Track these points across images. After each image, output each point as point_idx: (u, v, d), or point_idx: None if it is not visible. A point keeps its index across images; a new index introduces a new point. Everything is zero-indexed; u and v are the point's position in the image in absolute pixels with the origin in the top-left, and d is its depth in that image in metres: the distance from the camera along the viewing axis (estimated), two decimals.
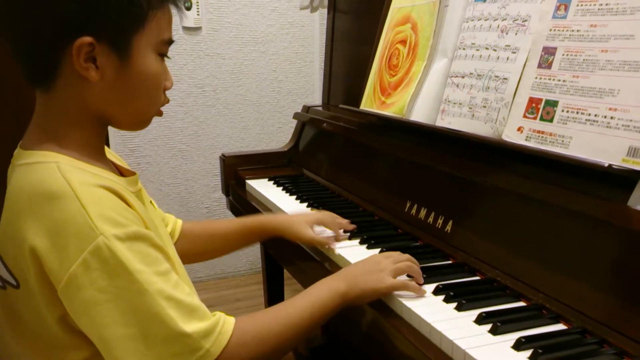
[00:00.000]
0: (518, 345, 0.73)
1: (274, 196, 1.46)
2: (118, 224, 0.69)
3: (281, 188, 1.53)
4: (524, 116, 0.96)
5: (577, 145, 0.87)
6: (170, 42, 0.80)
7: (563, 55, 0.92)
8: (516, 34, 1.02)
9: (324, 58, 1.91)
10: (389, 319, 0.86)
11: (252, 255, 2.78)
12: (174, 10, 0.80)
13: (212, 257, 1.19)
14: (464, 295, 0.86)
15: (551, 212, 0.86)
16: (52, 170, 0.71)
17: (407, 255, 0.95)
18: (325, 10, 1.93)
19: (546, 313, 0.82)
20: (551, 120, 0.91)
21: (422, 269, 0.94)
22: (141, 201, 0.82)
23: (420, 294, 0.89)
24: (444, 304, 0.86)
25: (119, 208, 0.71)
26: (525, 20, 1.01)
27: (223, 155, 1.74)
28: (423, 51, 1.26)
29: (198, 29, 2.51)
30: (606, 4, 0.88)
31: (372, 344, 0.91)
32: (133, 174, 0.86)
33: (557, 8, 0.95)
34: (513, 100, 0.99)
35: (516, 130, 0.97)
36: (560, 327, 0.79)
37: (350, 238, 1.14)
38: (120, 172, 0.85)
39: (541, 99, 0.94)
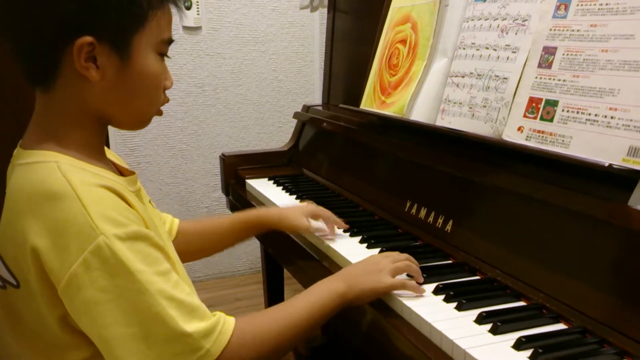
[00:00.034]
0: (518, 345, 0.73)
1: (274, 196, 1.46)
2: (119, 223, 0.69)
3: (281, 187, 1.53)
4: (524, 116, 0.96)
5: (577, 145, 0.87)
6: (170, 41, 0.80)
7: (563, 54, 0.92)
8: (516, 33, 1.02)
9: (324, 58, 1.91)
10: (389, 318, 0.86)
11: (252, 254, 2.78)
12: (173, 10, 0.80)
13: (208, 254, 1.19)
14: (464, 295, 0.86)
15: (551, 212, 0.86)
16: (52, 169, 0.71)
17: (405, 255, 0.95)
18: (325, 10, 1.93)
19: (546, 313, 0.82)
20: (551, 120, 0.91)
21: (422, 268, 0.94)
22: (141, 201, 0.82)
23: (419, 293, 0.89)
24: (444, 303, 0.86)
25: (120, 208, 0.71)
26: (526, 20, 1.01)
27: (223, 154, 1.74)
28: (423, 51, 1.26)
29: (198, 28, 2.51)
30: (606, 4, 0.88)
31: (372, 344, 0.91)
32: (132, 173, 0.86)
33: (557, 8, 0.95)
34: (513, 100, 0.99)
35: (516, 130, 0.97)
36: (560, 326, 0.79)
37: (350, 237, 1.14)
38: (120, 171, 0.85)
39: (541, 99, 0.94)
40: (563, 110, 0.90)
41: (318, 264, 1.10)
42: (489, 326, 0.78)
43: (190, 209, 2.65)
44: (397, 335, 0.83)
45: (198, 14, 2.48)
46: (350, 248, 1.08)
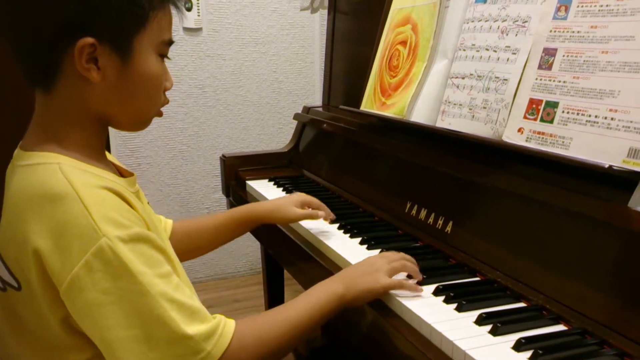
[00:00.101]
0: (518, 346, 0.73)
1: (274, 197, 1.45)
2: (121, 225, 0.69)
3: (281, 189, 1.53)
4: (524, 117, 0.96)
5: (577, 147, 0.87)
6: (170, 42, 0.80)
7: (563, 56, 0.92)
8: (516, 35, 1.02)
9: (324, 59, 1.91)
10: (389, 319, 0.86)
11: (252, 255, 2.78)
12: (174, 11, 0.80)
13: (204, 252, 1.20)
14: (464, 296, 0.86)
15: (551, 213, 0.86)
16: (54, 171, 0.71)
17: (401, 254, 0.96)
18: (326, 11, 1.93)
19: (546, 314, 0.82)
20: (551, 122, 0.92)
21: (423, 269, 0.94)
22: (140, 202, 0.82)
23: (417, 292, 0.89)
24: (444, 304, 0.86)
25: (122, 209, 0.71)
26: (526, 22, 1.01)
27: (223, 155, 1.74)
28: (423, 52, 1.27)
29: (199, 29, 2.51)
30: (606, 5, 0.88)
31: (373, 345, 0.91)
32: (131, 174, 0.86)
33: (558, 9, 0.95)
34: (513, 101, 0.99)
35: (516, 131, 0.97)
36: (560, 328, 0.79)
37: (350, 238, 1.14)
38: (120, 172, 0.85)
39: (541, 100, 0.94)
40: (563, 112, 0.90)
41: (318, 264, 1.10)
42: (489, 327, 0.78)
43: (191, 210, 2.65)
44: (397, 336, 0.83)
45: (198, 15, 2.48)
46: (350, 249, 1.08)
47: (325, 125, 1.64)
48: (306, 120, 1.76)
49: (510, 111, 0.99)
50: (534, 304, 0.84)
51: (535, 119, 0.94)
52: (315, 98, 2.79)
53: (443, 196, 1.11)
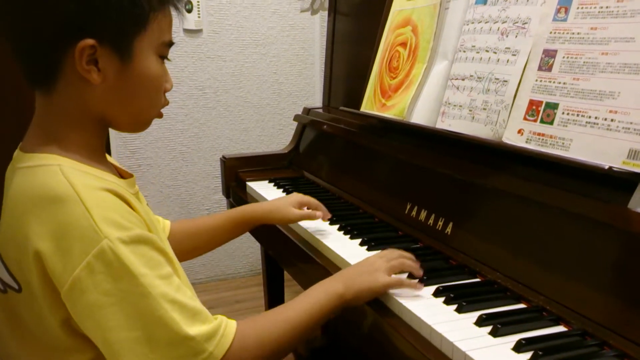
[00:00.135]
0: (518, 347, 0.73)
1: (274, 198, 1.45)
2: (122, 227, 0.69)
3: (282, 190, 1.53)
4: (524, 118, 0.96)
5: (577, 148, 0.87)
6: (170, 44, 0.80)
7: (563, 57, 0.92)
8: (516, 36, 1.02)
9: (324, 60, 1.91)
10: (389, 320, 0.86)
11: (252, 256, 2.78)
12: (174, 13, 0.80)
13: (201, 252, 1.20)
14: (464, 297, 0.86)
15: (551, 215, 0.87)
16: (55, 173, 0.71)
17: (398, 252, 0.96)
18: (326, 13, 1.93)
19: (546, 315, 0.82)
20: (551, 123, 0.92)
21: (423, 271, 0.94)
22: (140, 203, 0.82)
23: (417, 289, 0.90)
24: (445, 305, 0.86)
25: (123, 211, 0.71)
26: (526, 23, 1.01)
27: (224, 157, 1.74)
28: (423, 54, 1.27)
29: (199, 31, 2.51)
30: (606, 7, 0.88)
31: (373, 346, 0.91)
32: (131, 175, 0.86)
33: (558, 11, 0.95)
34: (513, 102, 0.99)
35: (516, 133, 0.97)
36: (560, 329, 0.79)
37: (350, 239, 1.14)
38: (120, 173, 0.85)
39: (541, 102, 0.94)
40: (563, 113, 0.90)
41: (318, 265, 1.10)
42: (489, 328, 0.78)
43: (191, 211, 2.65)
44: (397, 336, 0.83)
45: (199, 17, 2.48)
46: (350, 250, 1.08)
47: (325, 126, 1.64)
48: (306, 122, 1.76)
49: (510, 112, 0.99)
50: (534, 305, 0.84)
51: (535, 120, 0.94)
52: (315, 99, 2.79)
53: (443, 197, 1.11)
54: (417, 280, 0.92)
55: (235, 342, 0.74)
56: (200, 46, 2.53)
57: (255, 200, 1.54)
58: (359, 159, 1.45)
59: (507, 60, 1.03)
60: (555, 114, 0.91)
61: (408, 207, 1.17)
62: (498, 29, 1.07)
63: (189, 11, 2.44)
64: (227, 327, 0.75)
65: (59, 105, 0.75)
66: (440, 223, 1.07)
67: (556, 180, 0.87)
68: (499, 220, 0.97)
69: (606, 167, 0.79)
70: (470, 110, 1.09)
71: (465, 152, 1.07)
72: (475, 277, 0.95)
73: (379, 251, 1.05)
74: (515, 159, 0.96)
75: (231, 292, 2.66)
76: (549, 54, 0.95)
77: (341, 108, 1.55)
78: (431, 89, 1.23)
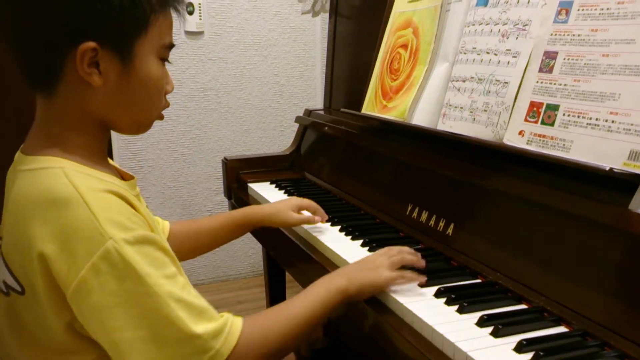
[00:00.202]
0: (519, 348, 0.73)
1: (276, 199, 1.46)
2: (126, 228, 0.69)
3: (283, 191, 1.53)
4: (525, 120, 0.96)
5: (578, 149, 0.87)
6: (171, 46, 0.80)
7: (564, 59, 0.93)
8: (517, 38, 1.02)
9: (325, 62, 1.92)
10: (390, 321, 0.86)
11: (254, 257, 2.78)
12: (174, 15, 0.80)
13: (199, 254, 1.20)
14: (465, 298, 0.86)
15: (552, 216, 0.87)
16: (58, 175, 0.71)
17: (397, 248, 0.97)
18: (327, 15, 1.93)
19: (547, 316, 0.82)
20: (552, 124, 0.92)
21: (424, 272, 0.94)
22: (141, 204, 0.83)
23: (419, 281, 0.91)
24: (446, 306, 0.86)
25: (127, 212, 0.71)
26: (526, 25, 1.01)
27: (225, 158, 1.75)
28: (424, 55, 1.27)
29: (200, 33, 2.52)
30: (607, 9, 0.88)
31: (373, 346, 0.91)
32: (132, 177, 0.86)
33: (558, 13, 0.96)
34: (514, 104, 0.99)
35: (517, 134, 0.97)
36: (561, 329, 0.79)
37: (352, 240, 1.14)
38: (121, 175, 0.85)
39: (542, 103, 0.94)
40: (564, 115, 0.90)
41: (319, 266, 1.10)
42: (490, 329, 0.78)
43: (193, 212, 2.66)
44: (398, 337, 0.83)
45: (200, 19, 2.49)
46: (351, 251, 1.08)
47: (326, 128, 1.64)
48: (307, 123, 1.76)
49: (511, 114, 1.00)
50: (535, 305, 0.84)
51: (536, 122, 0.95)
52: (316, 101, 2.79)
53: (444, 199, 1.11)
54: (417, 273, 0.93)
55: (241, 339, 0.74)
56: (201, 48, 2.54)
57: (257, 202, 1.54)
58: (360, 160, 1.46)
59: (508, 62, 1.03)
60: (556, 115, 0.92)
61: (409, 208, 1.18)
62: (499, 31, 1.07)
63: (191, 13, 2.45)
64: (233, 325, 0.75)
65: (60, 108, 0.76)
66: (442, 224, 1.08)
67: (557, 182, 0.87)
68: (500, 221, 0.97)
69: (607, 169, 0.79)
70: (471, 112, 1.09)
71: (466, 153, 1.07)
72: (477, 278, 0.96)
73: None
74: (516, 160, 0.96)
75: (233, 293, 2.67)
76: (550, 56, 0.95)
77: (342, 110, 1.56)
78: (432, 90, 1.23)
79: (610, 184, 0.79)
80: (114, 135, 2.24)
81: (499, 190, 0.97)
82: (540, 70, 0.96)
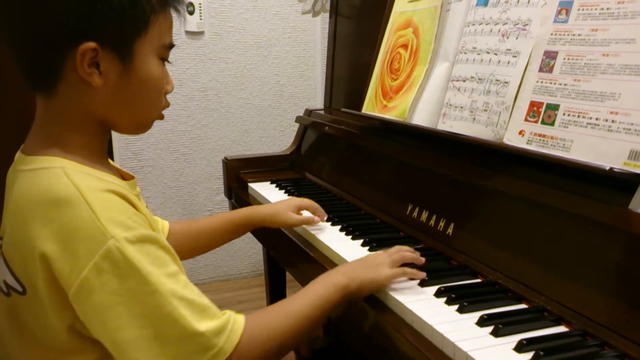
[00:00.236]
0: (519, 347, 0.73)
1: (276, 199, 1.46)
2: (128, 227, 0.69)
3: (283, 191, 1.53)
4: (525, 120, 0.96)
5: (578, 149, 0.87)
6: (171, 46, 0.80)
7: (564, 59, 0.93)
8: (517, 38, 1.02)
9: (325, 62, 1.92)
10: (390, 320, 0.86)
11: (255, 257, 2.79)
12: (174, 15, 0.81)
13: (198, 254, 1.20)
14: (465, 298, 0.86)
15: (552, 215, 0.87)
16: (59, 175, 0.71)
17: (398, 247, 0.97)
18: (327, 15, 1.94)
19: (547, 315, 0.82)
20: (552, 124, 0.92)
21: (424, 271, 0.94)
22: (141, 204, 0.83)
23: (419, 277, 0.92)
24: (446, 306, 0.86)
25: (128, 212, 0.72)
26: (527, 25, 1.01)
27: (225, 158, 1.75)
28: (424, 55, 1.27)
29: (201, 33, 2.52)
30: (607, 8, 0.88)
31: (374, 346, 0.92)
32: (132, 177, 0.86)
33: (558, 12, 0.96)
34: (514, 104, 0.99)
35: (517, 134, 0.97)
36: (561, 329, 0.79)
37: (352, 240, 1.14)
38: (121, 175, 0.85)
39: (542, 103, 0.94)
40: (564, 114, 0.90)
41: (319, 266, 1.10)
42: (490, 329, 0.78)
43: (193, 212, 2.66)
44: (398, 337, 0.83)
45: (201, 19, 2.49)
46: (352, 251, 1.09)
47: (326, 128, 1.64)
48: (308, 123, 1.76)
49: (511, 114, 1.00)
50: (535, 305, 0.85)
51: (536, 122, 0.95)
52: (316, 101, 2.80)
53: (444, 198, 1.11)
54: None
55: (244, 337, 0.74)
56: (202, 48, 2.54)
57: (257, 202, 1.54)
58: (361, 160, 1.46)
59: (508, 62, 1.03)
60: (556, 115, 0.92)
61: (409, 208, 1.18)
62: (499, 31, 1.07)
63: (191, 13, 2.45)
64: (236, 322, 0.75)
65: (61, 108, 0.76)
66: (442, 224, 1.08)
67: (557, 181, 0.87)
68: (500, 221, 0.97)
69: (607, 168, 0.79)
70: (471, 112, 1.09)
71: (467, 153, 1.07)
72: (477, 278, 0.96)
73: None
74: (516, 160, 0.96)
75: (234, 292, 2.67)
76: (550, 56, 0.95)
77: (342, 109, 1.56)
78: (432, 90, 1.23)
79: (610, 184, 0.80)
80: (114, 135, 2.24)
81: (499, 190, 0.98)
82: (541, 70, 0.96)
